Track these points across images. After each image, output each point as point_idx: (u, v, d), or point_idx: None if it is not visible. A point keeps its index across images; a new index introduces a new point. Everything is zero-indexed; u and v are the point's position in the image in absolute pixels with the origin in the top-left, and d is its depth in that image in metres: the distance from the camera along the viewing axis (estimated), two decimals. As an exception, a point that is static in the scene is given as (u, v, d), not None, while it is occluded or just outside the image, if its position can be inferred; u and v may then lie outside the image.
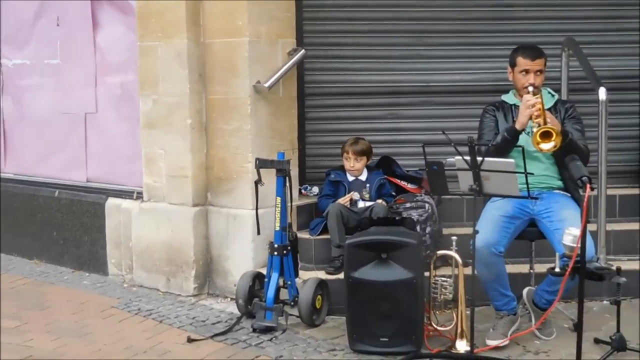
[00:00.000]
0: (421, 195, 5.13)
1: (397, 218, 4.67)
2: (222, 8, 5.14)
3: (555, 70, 5.25)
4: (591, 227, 4.27)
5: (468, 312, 4.04)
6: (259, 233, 4.80)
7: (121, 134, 5.87)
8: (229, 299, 5.18)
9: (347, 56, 5.60)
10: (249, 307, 4.73)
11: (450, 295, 4.31)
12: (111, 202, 5.84)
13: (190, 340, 4.47)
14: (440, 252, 4.42)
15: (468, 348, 4.03)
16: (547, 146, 4.13)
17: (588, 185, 3.72)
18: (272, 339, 4.46)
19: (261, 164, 4.68)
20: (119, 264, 5.76)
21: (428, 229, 4.96)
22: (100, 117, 6.02)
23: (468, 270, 4.18)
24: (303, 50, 5.27)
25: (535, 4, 5.62)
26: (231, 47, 5.13)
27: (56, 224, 6.25)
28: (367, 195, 5.14)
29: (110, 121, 5.97)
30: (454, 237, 4.32)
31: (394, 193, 5.24)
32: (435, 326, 4.35)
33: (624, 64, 5.68)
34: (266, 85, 5.04)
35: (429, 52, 5.61)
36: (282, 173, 4.64)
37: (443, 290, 4.32)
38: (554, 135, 4.11)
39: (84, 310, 5.11)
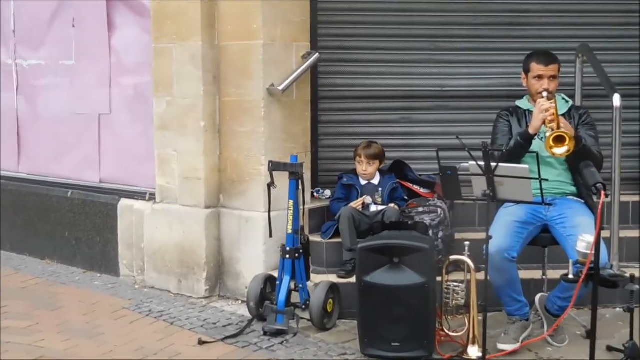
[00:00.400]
0: (434, 200, 5.13)
1: (409, 222, 4.68)
2: (237, 10, 5.16)
3: (570, 76, 5.26)
4: (604, 233, 4.26)
5: (480, 318, 4.03)
6: (271, 236, 4.82)
7: (134, 135, 5.91)
8: (240, 302, 5.20)
9: (361, 60, 5.62)
10: (260, 310, 4.75)
11: (463, 301, 4.30)
12: (124, 203, 5.88)
13: (201, 342, 4.49)
14: (452, 257, 4.42)
15: (480, 354, 4.04)
16: (560, 151, 4.13)
17: (603, 192, 3.71)
18: (283, 342, 4.47)
19: (274, 166, 4.70)
20: (131, 265, 5.79)
21: (440, 234, 4.97)
22: (114, 118, 6.06)
23: (480, 276, 4.17)
24: (317, 54, 5.29)
25: (550, 10, 5.63)
26: (246, 50, 5.15)
27: (68, 224, 6.29)
28: (379, 199, 5.15)
29: (123, 122, 6.01)
30: (467, 242, 4.32)
31: (406, 197, 5.25)
32: (447, 331, 4.35)
33: (638, 70, 5.67)
34: (280, 88, 5.06)
35: (443, 56, 5.62)
36: (295, 176, 4.66)
37: (455, 295, 4.32)
38: (567, 139, 4.11)
39: (95, 311, 5.13)
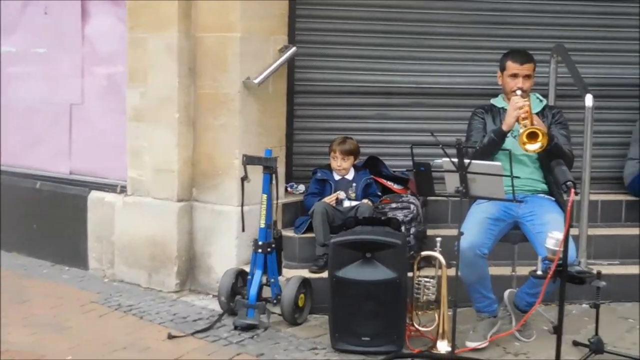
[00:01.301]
0: (407, 196, 5.30)
1: (382, 218, 4.84)
2: (215, 2, 5.28)
3: (544, 75, 5.47)
4: (573, 231, 4.46)
5: (450, 313, 4.19)
6: (243, 230, 4.95)
7: (107, 126, 6.00)
8: (211, 296, 5.32)
9: (339, 55, 5.78)
10: (231, 304, 4.88)
11: (433, 296, 4.48)
12: (94, 195, 5.97)
13: (170, 336, 4.58)
14: (424, 253, 4.61)
15: (449, 349, 4.20)
16: (533, 147, 4.32)
17: (572, 190, 3.89)
18: (253, 336, 4.60)
19: (248, 160, 4.83)
20: (100, 258, 5.89)
21: (413, 230, 5.15)
22: (86, 109, 6.15)
23: (452, 272, 4.33)
24: (294, 48, 5.42)
25: (527, 10, 5.84)
26: (222, 42, 5.27)
27: (37, 217, 6.36)
28: (353, 195, 5.32)
29: (96, 113, 6.10)
30: (439, 239, 4.51)
31: (380, 193, 5.42)
32: (417, 326, 4.52)
33: (612, 72, 5.94)
34: (256, 81, 5.18)
35: (421, 53, 5.81)
36: (269, 170, 4.79)
37: (426, 290, 4.49)
38: (540, 136, 4.29)
39: (63, 305, 5.20)
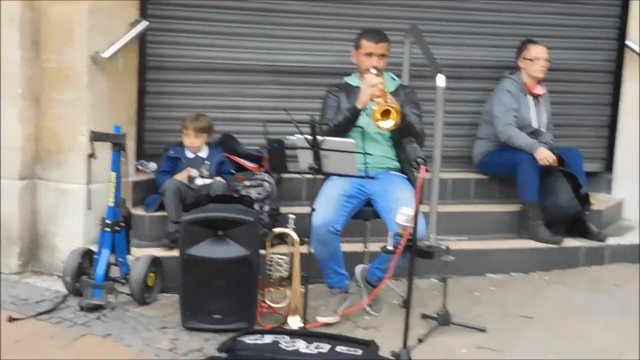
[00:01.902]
0: (261, 174, 5.31)
1: (235, 196, 4.82)
2: (61, -29, 5.11)
3: (399, 56, 5.59)
4: (424, 208, 4.62)
5: (302, 290, 4.24)
6: (89, 208, 4.83)
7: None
8: (55, 277, 5.15)
9: (193, 31, 5.71)
10: (76, 285, 4.74)
11: (286, 273, 4.50)
12: None
13: (11, 319, 4.41)
14: (276, 229, 4.62)
15: (301, 324, 4.25)
16: (386, 124, 4.43)
17: (422, 167, 3.99)
18: (99, 317, 4.50)
19: (96, 137, 4.69)
20: None
21: (267, 208, 5.16)
22: None
23: (305, 249, 4.35)
24: (146, 22, 5.32)
25: (382, -10, 5.95)
26: (69, 14, 5.10)
27: None
28: (206, 173, 5.27)
29: None
30: (292, 216, 4.52)
31: (233, 171, 5.40)
32: (269, 303, 4.53)
33: (464, 53, 6.15)
34: (105, 55, 5.05)
35: (276, 31, 5.82)
36: (118, 147, 4.67)
37: (278, 267, 4.51)
38: (394, 114, 4.40)
39: None
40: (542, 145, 5.72)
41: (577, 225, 5.78)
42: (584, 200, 5.75)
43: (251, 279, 4.36)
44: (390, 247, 4.05)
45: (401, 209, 4.04)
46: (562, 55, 6.26)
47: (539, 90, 5.97)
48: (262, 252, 4.49)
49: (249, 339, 3.78)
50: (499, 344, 4.30)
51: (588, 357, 4.19)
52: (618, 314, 4.85)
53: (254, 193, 5.12)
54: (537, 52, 5.88)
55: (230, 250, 4.34)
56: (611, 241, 5.84)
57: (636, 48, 6.20)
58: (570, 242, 5.70)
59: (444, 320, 4.39)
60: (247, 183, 5.21)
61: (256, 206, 5.00)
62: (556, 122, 6.19)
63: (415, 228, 3.91)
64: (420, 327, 4.35)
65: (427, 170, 4.01)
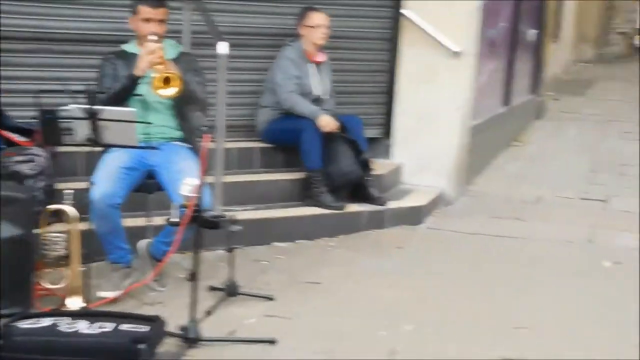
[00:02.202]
0: (32, 149, 4.99)
1: (4, 173, 4.51)
2: None
3: (179, 23, 5.42)
4: (209, 178, 4.55)
5: (82, 268, 4.06)
6: None
7: None
8: None
9: None
10: None
11: (64, 252, 4.27)
12: None
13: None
14: (51, 206, 4.36)
15: (83, 304, 4.07)
16: (168, 92, 4.34)
17: (206, 136, 3.93)
18: None
19: None
20: None
21: (41, 184, 4.86)
22: None
23: (85, 226, 4.19)
24: None
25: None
26: None
27: None
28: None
29: None
30: (69, 191, 4.29)
31: (3, 146, 5.03)
32: (46, 285, 4.29)
33: (245, 21, 6.08)
34: None
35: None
36: None
37: (54, 246, 4.27)
38: (175, 81, 4.31)
39: None
40: (324, 113, 5.81)
41: (359, 190, 5.94)
42: (365, 166, 5.92)
43: (25, 260, 4.11)
44: (175, 219, 3.94)
45: (185, 179, 3.94)
46: (341, 22, 6.35)
47: (320, 57, 6.05)
48: (37, 231, 4.24)
49: (23, 324, 3.58)
50: (288, 310, 4.35)
51: (375, 317, 4.33)
52: (400, 274, 5.05)
53: (25, 169, 4.81)
54: (318, 19, 5.95)
55: (1, 230, 4.05)
56: (391, 205, 6.05)
57: (411, 16, 6.43)
58: (353, 207, 5.85)
59: (231, 291, 4.37)
60: (18, 158, 4.86)
61: (29, 183, 4.71)
62: (337, 90, 6.30)
63: (200, 199, 3.84)
64: (208, 300, 4.29)
65: (211, 140, 3.95)
